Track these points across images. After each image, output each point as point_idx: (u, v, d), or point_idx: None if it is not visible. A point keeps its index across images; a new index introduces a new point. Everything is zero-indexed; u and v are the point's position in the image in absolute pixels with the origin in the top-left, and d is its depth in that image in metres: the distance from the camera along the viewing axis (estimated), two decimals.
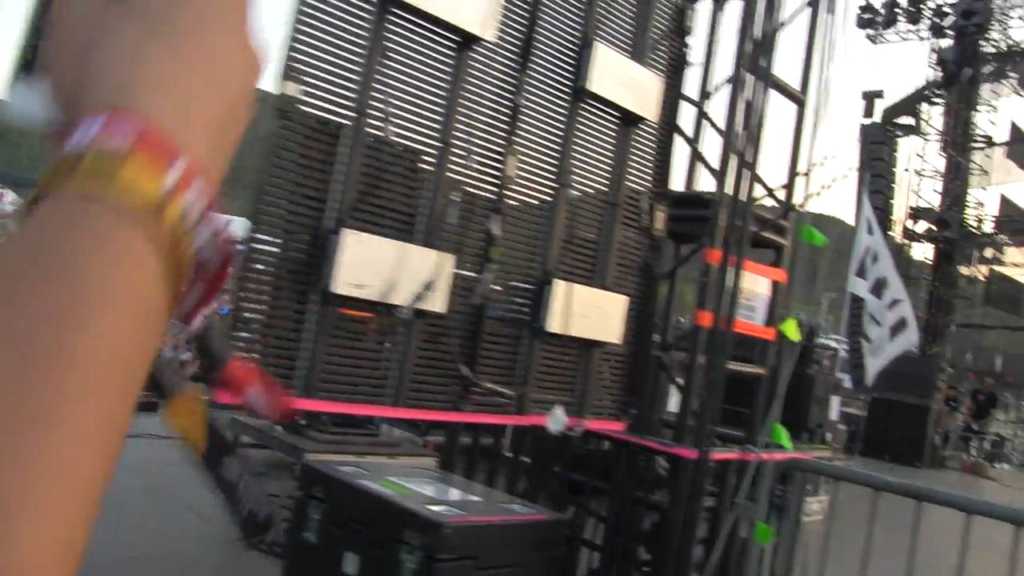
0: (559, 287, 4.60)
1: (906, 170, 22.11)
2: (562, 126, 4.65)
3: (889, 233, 22.27)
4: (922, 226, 21.97)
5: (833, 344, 14.83)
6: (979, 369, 23.24)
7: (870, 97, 23.06)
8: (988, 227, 23.32)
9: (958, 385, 22.31)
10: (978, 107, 24.29)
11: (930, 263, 22.59)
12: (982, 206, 23.87)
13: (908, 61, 24.78)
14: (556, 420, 4.60)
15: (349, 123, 3.78)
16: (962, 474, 18.02)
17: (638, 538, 5.10)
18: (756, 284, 5.29)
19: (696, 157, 5.46)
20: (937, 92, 23.07)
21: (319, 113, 3.74)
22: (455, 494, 4.00)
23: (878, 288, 14.09)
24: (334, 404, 3.96)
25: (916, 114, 22.49)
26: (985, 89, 24.50)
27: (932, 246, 22.37)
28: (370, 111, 3.83)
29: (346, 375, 3.94)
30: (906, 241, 22.19)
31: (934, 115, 23.00)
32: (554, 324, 4.61)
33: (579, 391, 4.94)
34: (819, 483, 12.10)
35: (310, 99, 3.66)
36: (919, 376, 17.73)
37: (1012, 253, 24.68)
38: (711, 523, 4.94)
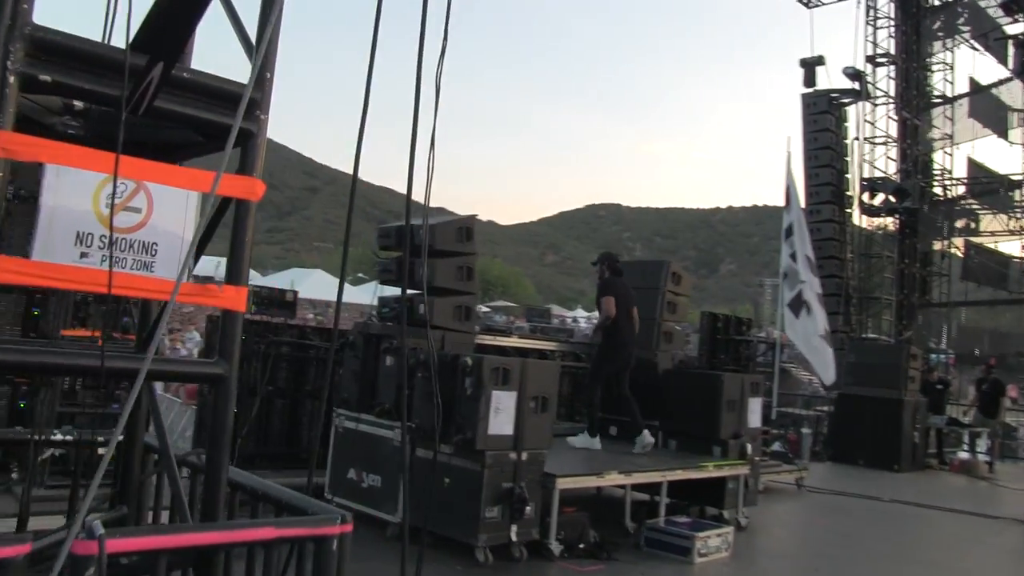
0: None
1: (856, 139, 19.92)
2: None
3: (847, 210, 20.04)
4: (880, 199, 19.68)
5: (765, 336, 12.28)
6: (961, 353, 20.76)
7: (810, 65, 21.01)
8: (955, 193, 21.04)
9: (943, 373, 19.74)
10: (931, 66, 22.14)
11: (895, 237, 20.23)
12: (948, 172, 21.61)
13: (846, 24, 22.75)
14: None
15: None
16: (950, 475, 15.32)
17: None
18: (164, 201, 2.61)
19: None
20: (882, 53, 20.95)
21: None
22: None
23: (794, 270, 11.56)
24: None
25: (862, 78, 20.33)
26: (936, 46, 22.40)
27: (893, 220, 20.05)
28: None
29: None
30: (864, 217, 19.89)
31: (881, 77, 20.84)
32: None
33: None
34: (737, 505, 9.01)
35: None
36: (888, 365, 15.23)
37: (988, 221, 22.34)
38: None
